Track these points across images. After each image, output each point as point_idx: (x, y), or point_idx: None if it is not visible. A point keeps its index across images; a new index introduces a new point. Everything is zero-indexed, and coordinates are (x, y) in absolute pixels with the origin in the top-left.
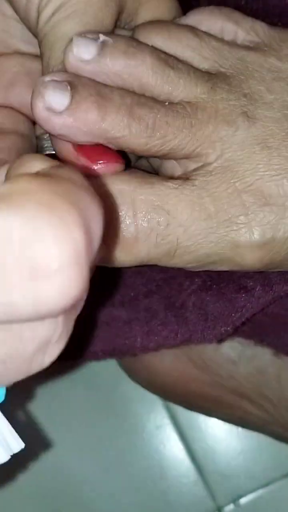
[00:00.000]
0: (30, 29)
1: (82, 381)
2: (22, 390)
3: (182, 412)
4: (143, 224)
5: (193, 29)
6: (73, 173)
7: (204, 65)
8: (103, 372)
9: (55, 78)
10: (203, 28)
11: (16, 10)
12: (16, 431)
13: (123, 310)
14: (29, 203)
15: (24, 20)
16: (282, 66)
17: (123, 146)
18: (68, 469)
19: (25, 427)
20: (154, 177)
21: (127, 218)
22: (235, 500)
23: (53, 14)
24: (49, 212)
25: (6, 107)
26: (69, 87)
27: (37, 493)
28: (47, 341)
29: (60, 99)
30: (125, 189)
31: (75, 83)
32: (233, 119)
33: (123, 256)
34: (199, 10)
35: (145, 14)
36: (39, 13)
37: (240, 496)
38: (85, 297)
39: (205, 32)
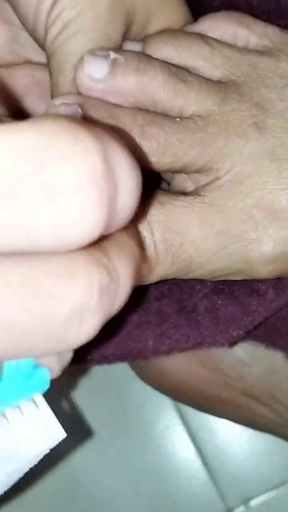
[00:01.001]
0: (38, 44)
1: (93, 382)
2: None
3: (192, 413)
4: (160, 245)
5: (204, 37)
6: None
7: (215, 73)
8: (113, 372)
9: (66, 101)
10: (215, 35)
11: (24, 25)
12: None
13: (134, 313)
14: (53, 123)
15: (32, 35)
16: None
17: None
18: (76, 468)
19: None
20: (164, 196)
21: (147, 240)
22: (245, 502)
23: (60, 31)
24: (70, 133)
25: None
26: (80, 110)
27: (45, 493)
28: (81, 309)
29: None
30: (139, 211)
31: (86, 105)
32: (244, 131)
33: (146, 276)
34: (210, 16)
35: (157, 24)
36: (46, 30)
37: (250, 498)
38: (128, 289)
39: (215, 40)
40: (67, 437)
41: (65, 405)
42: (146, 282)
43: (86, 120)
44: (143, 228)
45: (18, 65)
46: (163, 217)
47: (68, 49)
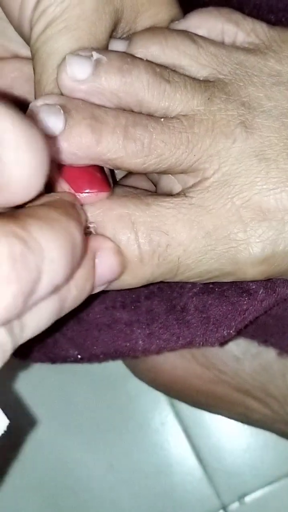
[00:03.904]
0: (24, 39)
1: (88, 378)
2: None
3: (187, 409)
4: (145, 247)
5: (190, 36)
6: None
7: (202, 72)
8: (108, 369)
9: (47, 102)
10: (203, 31)
11: (10, 21)
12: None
13: (124, 312)
14: None
15: (17, 31)
16: (282, 69)
17: (120, 167)
18: (73, 465)
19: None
20: (150, 197)
21: (130, 241)
22: (240, 498)
23: (45, 28)
24: None
25: None
26: (62, 111)
27: (40, 489)
28: None
29: (54, 124)
30: (124, 213)
31: (68, 106)
32: (231, 131)
33: (130, 278)
34: (198, 12)
35: (144, 21)
36: (31, 27)
37: (245, 494)
38: (61, 263)
39: (202, 38)
40: (69, 434)
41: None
42: (134, 285)
43: None
44: (127, 229)
45: (6, 59)
46: (149, 218)
47: (52, 47)
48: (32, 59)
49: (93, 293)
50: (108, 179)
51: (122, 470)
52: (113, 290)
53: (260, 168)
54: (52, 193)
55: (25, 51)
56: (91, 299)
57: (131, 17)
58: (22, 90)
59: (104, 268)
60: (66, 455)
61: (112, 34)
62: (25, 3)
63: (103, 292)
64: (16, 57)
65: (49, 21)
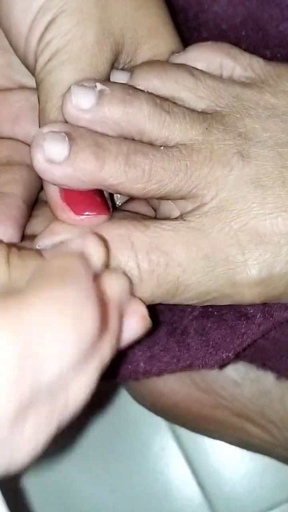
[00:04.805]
0: (29, 70)
1: (87, 403)
2: None
3: (187, 434)
4: (144, 266)
5: (189, 69)
6: None
7: (200, 105)
8: (108, 393)
9: (53, 129)
10: (202, 64)
11: (15, 52)
12: None
13: None
14: None
15: (23, 62)
16: (277, 102)
17: (121, 191)
18: (73, 490)
19: None
20: (149, 220)
21: (129, 261)
22: None
23: (49, 60)
24: None
25: (12, 139)
26: (67, 138)
27: None
28: None
29: (59, 150)
30: (123, 233)
31: (73, 134)
32: (228, 159)
33: None
34: (198, 46)
35: (145, 53)
36: (36, 58)
37: None
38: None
39: (201, 71)
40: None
41: None
42: None
43: None
44: (126, 249)
45: (12, 90)
46: (148, 239)
47: (56, 78)
48: (37, 88)
49: None
50: (108, 202)
51: (123, 495)
52: None
53: (257, 194)
54: None
55: (30, 82)
56: None
57: (131, 49)
58: (28, 119)
59: (129, 332)
60: (67, 480)
61: (114, 65)
62: (31, 36)
63: None
64: (22, 87)
65: (53, 53)
